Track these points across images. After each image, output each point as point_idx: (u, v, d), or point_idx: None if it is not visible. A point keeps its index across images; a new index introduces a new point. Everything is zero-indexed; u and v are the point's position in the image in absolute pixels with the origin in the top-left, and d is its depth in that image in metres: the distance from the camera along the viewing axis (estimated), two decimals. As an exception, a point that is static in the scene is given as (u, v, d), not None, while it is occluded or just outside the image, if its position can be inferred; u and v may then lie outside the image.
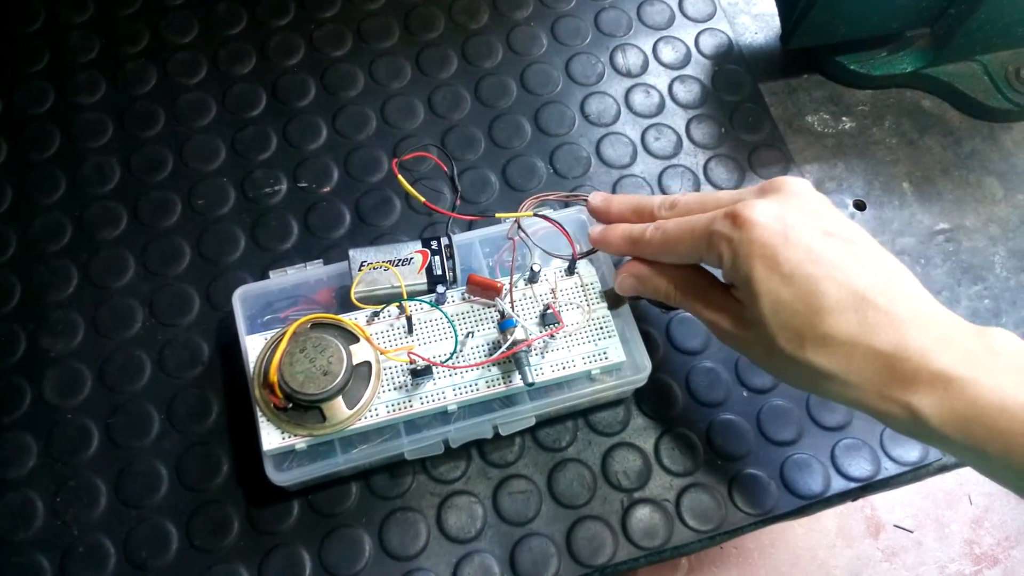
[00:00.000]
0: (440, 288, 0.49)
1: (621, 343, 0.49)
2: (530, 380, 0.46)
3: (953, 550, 1.32)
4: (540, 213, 0.51)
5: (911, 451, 0.52)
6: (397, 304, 0.48)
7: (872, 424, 0.53)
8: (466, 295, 0.50)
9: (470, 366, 0.48)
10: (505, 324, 0.48)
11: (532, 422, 0.49)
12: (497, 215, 0.52)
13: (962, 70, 0.63)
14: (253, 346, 0.48)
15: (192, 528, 0.49)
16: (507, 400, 0.49)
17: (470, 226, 0.57)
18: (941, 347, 0.37)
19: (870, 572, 1.29)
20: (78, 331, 0.54)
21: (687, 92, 0.64)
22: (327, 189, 0.59)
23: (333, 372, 0.45)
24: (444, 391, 0.47)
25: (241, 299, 0.50)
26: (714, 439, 0.52)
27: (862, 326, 0.37)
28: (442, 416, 0.48)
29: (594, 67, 0.65)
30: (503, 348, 0.47)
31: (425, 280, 0.50)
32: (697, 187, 0.61)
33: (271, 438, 0.46)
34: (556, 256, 0.51)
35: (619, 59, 0.66)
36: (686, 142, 0.62)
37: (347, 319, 0.48)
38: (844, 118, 0.64)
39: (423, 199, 0.53)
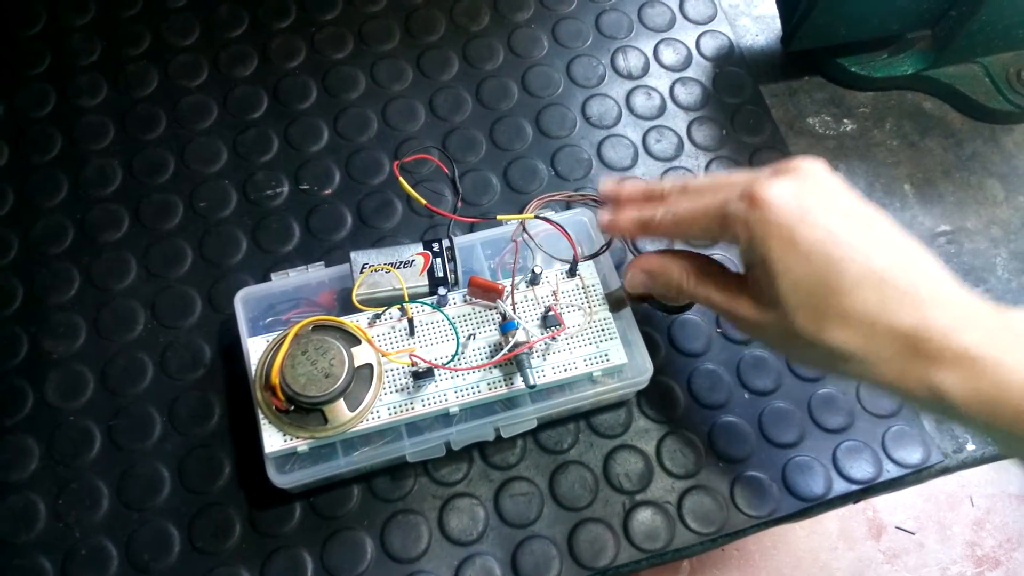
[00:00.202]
0: (441, 290, 0.49)
1: (623, 345, 0.49)
2: (532, 382, 0.46)
3: (955, 552, 1.31)
4: (542, 215, 0.51)
5: (913, 453, 0.52)
6: (399, 306, 0.48)
7: (874, 426, 0.53)
8: (467, 297, 0.50)
9: (472, 368, 0.48)
10: (507, 326, 0.48)
11: (534, 424, 0.49)
12: (498, 217, 0.52)
13: (963, 72, 0.63)
14: (255, 348, 0.48)
15: (194, 530, 0.49)
16: (509, 402, 0.49)
17: (471, 228, 0.57)
18: (963, 326, 0.36)
19: (872, 574, 1.29)
20: (80, 333, 0.54)
21: (688, 94, 0.64)
22: (328, 191, 0.60)
23: (335, 374, 0.45)
24: (446, 393, 0.47)
25: (243, 301, 0.50)
26: (716, 441, 0.52)
27: (882, 305, 0.37)
28: (444, 418, 0.48)
29: (595, 69, 0.65)
30: (505, 350, 0.47)
31: (427, 282, 0.50)
32: (698, 189, 0.61)
33: (273, 440, 0.46)
34: (558, 258, 0.51)
35: (620, 61, 0.66)
36: (687, 144, 0.62)
37: (349, 321, 0.48)
38: (845, 120, 0.64)
39: (424, 201, 0.53)
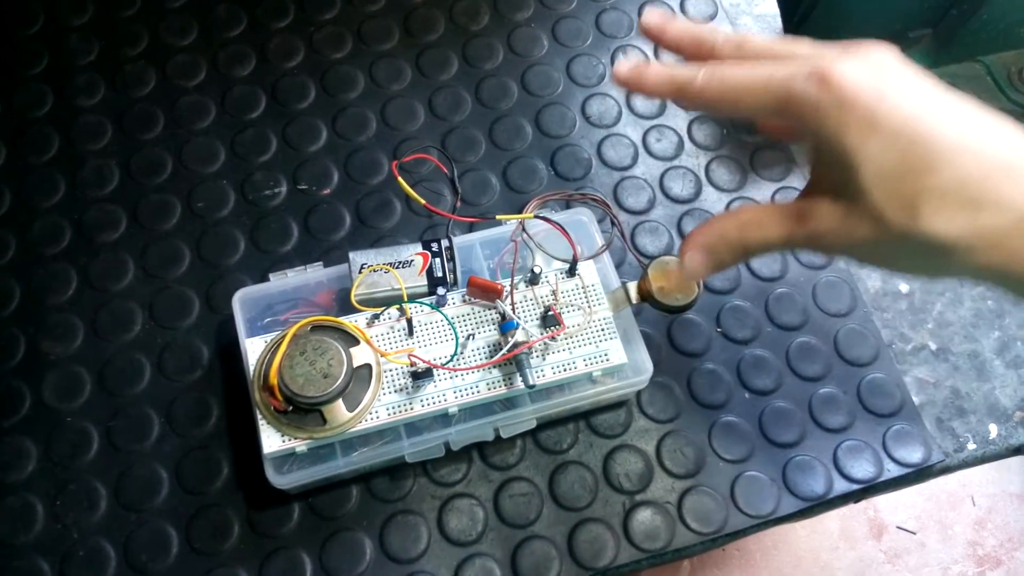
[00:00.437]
0: (440, 290, 0.49)
1: (622, 345, 0.49)
2: (531, 382, 0.46)
3: (956, 551, 1.31)
4: (541, 215, 0.51)
5: (914, 452, 0.52)
6: (397, 306, 0.48)
7: (874, 425, 0.53)
8: (467, 297, 0.50)
9: (471, 368, 0.47)
10: (506, 326, 0.47)
11: (533, 424, 0.49)
12: (498, 217, 0.52)
13: (965, 71, 0.63)
14: (253, 349, 0.48)
15: (192, 531, 0.49)
16: (508, 402, 0.49)
17: (471, 228, 0.57)
18: None
19: (873, 574, 1.29)
20: (78, 334, 0.54)
21: (688, 93, 0.64)
22: (327, 191, 0.59)
23: (333, 375, 0.45)
24: (445, 393, 0.47)
25: (241, 302, 0.50)
26: (716, 441, 0.52)
27: (987, 177, 0.32)
28: (443, 418, 0.48)
29: (595, 68, 0.65)
30: (504, 350, 0.47)
31: (425, 282, 0.50)
32: (699, 190, 0.60)
33: (271, 441, 0.46)
34: (557, 258, 0.51)
35: (620, 60, 0.65)
36: (687, 143, 0.62)
37: (347, 321, 0.48)
38: (846, 119, 0.64)
39: (423, 201, 0.53)
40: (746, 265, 0.57)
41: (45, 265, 0.56)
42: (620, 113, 0.63)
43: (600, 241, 0.52)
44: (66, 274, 0.56)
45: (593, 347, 0.49)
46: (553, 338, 0.49)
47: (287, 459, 0.47)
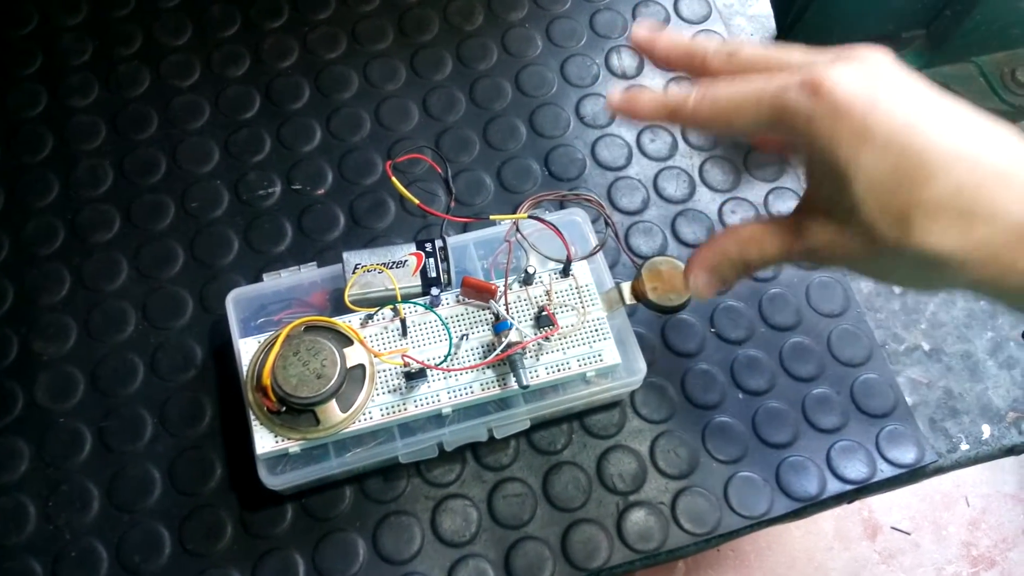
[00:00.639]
0: (434, 290, 0.49)
1: (616, 345, 0.49)
2: (525, 383, 0.46)
3: (950, 552, 1.32)
4: (535, 215, 0.51)
5: (907, 453, 0.52)
6: (391, 307, 0.48)
7: (868, 426, 0.53)
8: (460, 297, 0.50)
9: (464, 369, 0.47)
10: (500, 326, 0.47)
11: (527, 425, 0.49)
12: (492, 217, 0.52)
13: (958, 72, 0.63)
14: (246, 349, 0.48)
15: (185, 532, 0.49)
16: (502, 403, 0.49)
17: (465, 228, 0.57)
18: None
19: (867, 574, 1.29)
20: (70, 335, 0.54)
21: (682, 94, 0.64)
22: (321, 191, 0.59)
23: (327, 375, 0.45)
24: (438, 394, 0.47)
25: (234, 302, 0.50)
26: (709, 441, 0.52)
27: (980, 188, 0.31)
28: (436, 419, 0.48)
29: (589, 69, 0.65)
30: (498, 351, 0.47)
31: (419, 282, 0.49)
32: (693, 190, 0.60)
33: (264, 442, 0.45)
34: (551, 258, 0.51)
35: (614, 61, 0.65)
36: (681, 144, 0.62)
37: (341, 322, 0.48)
38: (839, 120, 0.64)
39: (417, 201, 0.53)
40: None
41: (38, 265, 0.56)
42: (614, 113, 0.63)
43: (594, 241, 0.52)
44: (59, 274, 0.56)
45: (587, 347, 0.49)
46: (547, 338, 0.49)
47: (280, 460, 0.47)
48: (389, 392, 0.47)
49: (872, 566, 1.30)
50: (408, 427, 0.48)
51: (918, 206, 0.32)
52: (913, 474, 0.52)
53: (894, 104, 0.32)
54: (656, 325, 0.55)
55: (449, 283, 0.50)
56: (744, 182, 0.61)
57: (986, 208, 0.31)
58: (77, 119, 0.61)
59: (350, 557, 0.49)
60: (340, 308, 0.49)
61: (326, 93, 0.63)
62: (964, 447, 0.53)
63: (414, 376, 0.46)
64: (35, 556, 0.48)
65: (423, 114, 0.63)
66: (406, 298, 0.49)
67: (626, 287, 0.49)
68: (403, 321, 0.48)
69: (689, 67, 0.39)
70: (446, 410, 0.47)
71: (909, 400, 0.54)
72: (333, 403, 0.46)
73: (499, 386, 0.48)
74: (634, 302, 0.49)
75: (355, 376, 0.47)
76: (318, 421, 0.45)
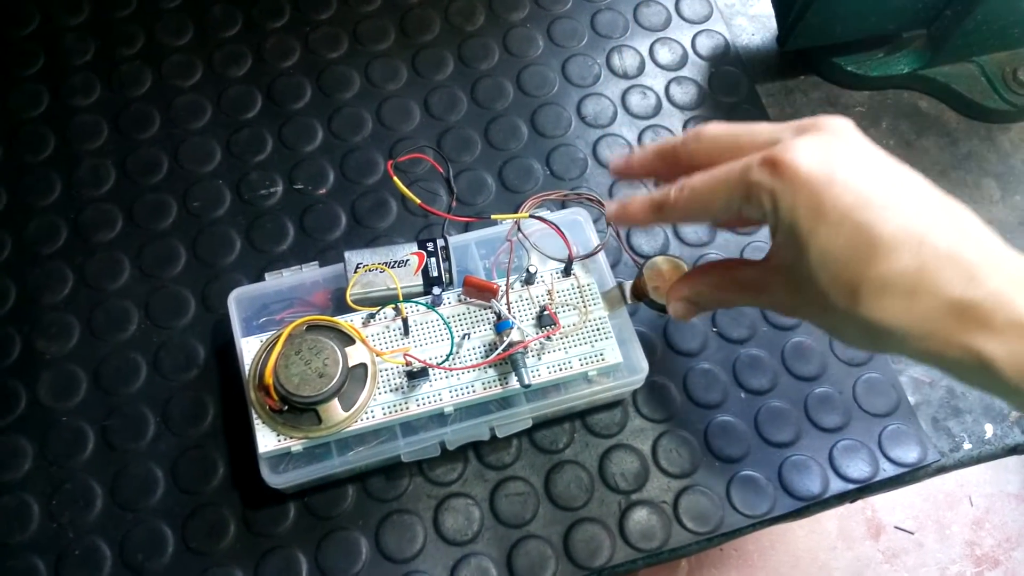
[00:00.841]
0: (436, 290, 0.49)
1: (618, 344, 0.49)
2: (526, 382, 0.46)
3: (954, 551, 1.31)
4: (537, 215, 0.51)
5: (909, 452, 0.52)
6: (393, 306, 0.48)
7: (870, 425, 0.53)
8: (462, 297, 0.50)
9: (466, 368, 0.48)
10: (501, 326, 0.48)
11: (529, 424, 0.49)
12: (493, 217, 0.52)
13: (959, 71, 0.63)
14: (248, 348, 0.48)
15: (188, 531, 0.49)
16: (504, 402, 0.49)
17: (466, 228, 0.57)
18: (1017, 291, 0.33)
19: (871, 574, 1.29)
20: (73, 334, 0.54)
21: (684, 93, 0.64)
22: (323, 191, 0.59)
23: (329, 374, 0.45)
24: (440, 393, 0.47)
25: (236, 301, 0.50)
26: (712, 440, 0.52)
27: (923, 270, 0.33)
28: (438, 418, 0.48)
29: (591, 69, 0.65)
30: (499, 350, 0.47)
31: (421, 282, 0.50)
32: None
33: (267, 440, 0.46)
34: (553, 258, 0.51)
35: (616, 60, 0.66)
36: (683, 143, 0.62)
37: (343, 321, 0.48)
38: (841, 119, 0.64)
39: (419, 201, 0.53)
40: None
41: (41, 264, 0.56)
42: (615, 113, 0.63)
43: (595, 241, 0.52)
44: (62, 273, 0.56)
45: (589, 347, 0.49)
46: (548, 338, 0.49)
47: (283, 458, 0.47)
48: (391, 391, 0.47)
49: (876, 565, 1.30)
50: (410, 426, 0.48)
51: (866, 282, 0.34)
52: (915, 473, 0.52)
53: (849, 179, 0.35)
54: (658, 324, 0.55)
55: (451, 282, 0.50)
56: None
57: (928, 287, 0.33)
58: (79, 119, 0.62)
59: (352, 556, 0.49)
60: (342, 307, 0.49)
61: (328, 93, 0.63)
62: (967, 446, 0.53)
63: (416, 375, 0.46)
64: (38, 554, 0.48)
65: (425, 114, 0.63)
66: (408, 297, 0.49)
67: (628, 286, 0.49)
68: (405, 320, 0.48)
69: (668, 166, 0.42)
70: (448, 409, 0.47)
71: (911, 399, 0.54)
72: (335, 402, 0.46)
73: (501, 385, 0.48)
74: (636, 301, 0.49)
75: (357, 375, 0.47)
76: (320, 420, 0.45)
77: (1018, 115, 0.63)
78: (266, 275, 0.51)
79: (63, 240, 0.57)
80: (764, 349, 0.55)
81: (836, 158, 0.36)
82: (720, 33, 0.67)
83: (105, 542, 0.49)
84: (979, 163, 0.62)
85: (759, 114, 0.63)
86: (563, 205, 0.59)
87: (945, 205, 0.36)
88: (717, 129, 0.41)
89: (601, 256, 0.52)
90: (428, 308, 0.49)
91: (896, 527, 1.32)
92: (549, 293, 0.50)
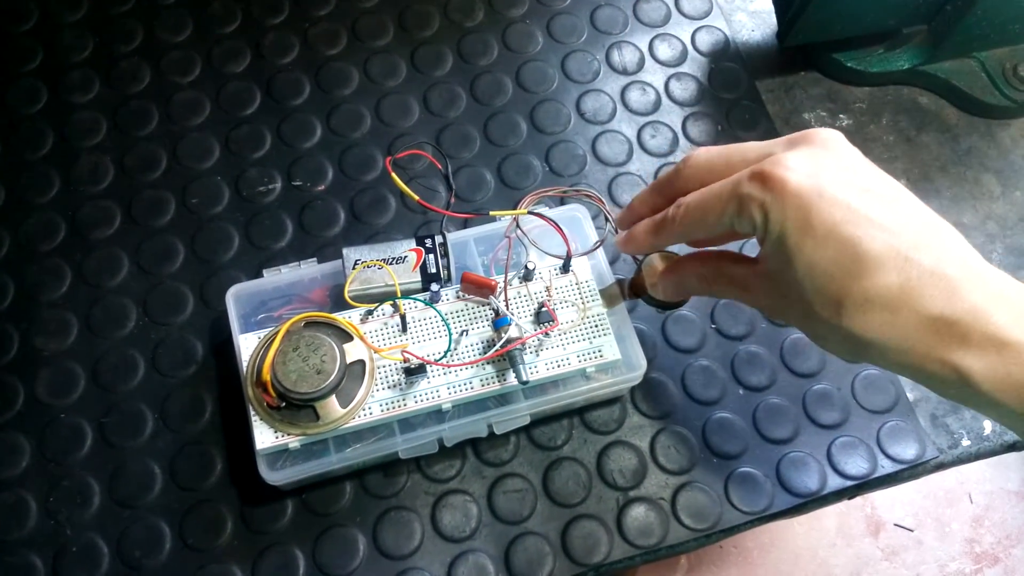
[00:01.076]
0: (434, 286, 0.49)
1: (616, 341, 0.49)
2: (524, 378, 0.46)
3: (953, 549, 1.31)
4: (536, 211, 0.51)
5: (908, 449, 0.52)
6: (391, 302, 0.48)
7: (868, 422, 0.53)
8: (460, 293, 0.50)
9: (464, 364, 0.47)
10: (499, 322, 0.47)
11: (527, 420, 0.49)
12: (492, 213, 0.52)
13: (959, 67, 0.63)
14: (247, 345, 0.48)
15: (186, 527, 0.49)
16: (502, 399, 0.49)
17: (465, 224, 0.57)
18: (994, 307, 0.34)
19: (870, 571, 1.29)
20: (71, 330, 0.54)
21: (683, 90, 0.64)
22: (321, 187, 0.59)
23: (327, 371, 0.45)
24: (438, 390, 0.47)
25: (235, 298, 0.50)
26: (710, 437, 0.52)
27: (906, 287, 0.34)
28: (436, 415, 0.48)
29: (590, 65, 0.65)
30: (497, 346, 0.47)
31: (419, 278, 0.49)
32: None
33: (264, 437, 0.46)
34: (551, 254, 0.51)
35: (615, 57, 0.65)
36: (682, 140, 0.62)
37: (341, 318, 0.48)
38: (841, 115, 0.64)
39: (417, 198, 0.53)
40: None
41: (39, 261, 0.56)
42: (615, 109, 0.63)
43: (594, 237, 0.52)
44: (60, 270, 0.56)
45: (587, 343, 0.49)
46: (547, 334, 0.48)
47: (280, 455, 0.47)
48: (389, 388, 0.47)
49: (875, 563, 1.30)
50: (408, 423, 0.48)
51: (850, 296, 0.35)
52: (914, 470, 0.52)
53: (838, 194, 0.36)
54: (656, 321, 0.55)
55: (449, 279, 0.50)
56: (745, 178, 0.61)
57: (910, 303, 0.34)
58: (78, 115, 0.61)
59: (350, 552, 0.49)
60: (340, 304, 0.49)
61: (326, 89, 0.63)
62: (965, 443, 0.53)
63: (414, 372, 0.46)
64: (36, 551, 0.48)
65: (423, 110, 0.63)
66: (406, 294, 0.49)
67: (626, 283, 0.49)
68: (403, 317, 0.48)
69: (667, 199, 0.43)
70: (446, 406, 0.47)
71: (910, 396, 0.54)
72: (333, 399, 0.46)
73: (499, 382, 0.48)
74: (634, 298, 0.49)
75: (355, 372, 0.47)
76: (318, 417, 0.45)
77: (1018, 111, 0.63)
78: (264, 272, 0.51)
79: (61, 237, 0.57)
80: (763, 346, 0.55)
81: (825, 172, 0.36)
82: (720, 29, 0.67)
83: (103, 539, 0.49)
84: (979, 159, 0.62)
85: (759, 110, 0.63)
86: (562, 201, 0.58)
87: (930, 222, 0.37)
88: (708, 152, 0.42)
89: (600, 253, 0.52)
90: (426, 305, 0.49)
91: (896, 524, 1.33)
92: (547, 290, 0.50)
